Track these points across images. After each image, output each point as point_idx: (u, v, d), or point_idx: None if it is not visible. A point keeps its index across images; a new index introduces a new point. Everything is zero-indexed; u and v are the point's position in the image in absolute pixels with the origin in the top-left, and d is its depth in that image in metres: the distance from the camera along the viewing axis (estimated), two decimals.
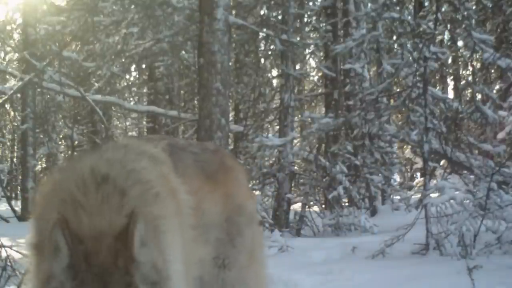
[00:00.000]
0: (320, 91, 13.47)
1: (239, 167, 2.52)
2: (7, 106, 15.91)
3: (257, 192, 9.44)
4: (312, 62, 15.10)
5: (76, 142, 18.86)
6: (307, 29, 12.89)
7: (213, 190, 2.13)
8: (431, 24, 7.07)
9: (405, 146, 13.72)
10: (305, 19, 12.52)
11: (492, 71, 12.97)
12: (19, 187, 18.75)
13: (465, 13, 7.19)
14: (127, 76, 16.52)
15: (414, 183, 13.18)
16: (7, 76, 14.78)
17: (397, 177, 12.76)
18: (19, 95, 13.36)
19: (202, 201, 2.03)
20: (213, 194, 2.13)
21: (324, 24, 11.68)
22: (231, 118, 12.04)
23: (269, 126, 14.22)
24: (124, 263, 1.42)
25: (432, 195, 6.16)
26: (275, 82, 13.70)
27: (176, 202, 1.83)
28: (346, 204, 9.52)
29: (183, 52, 13.13)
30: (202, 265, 2.09)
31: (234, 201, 2.24)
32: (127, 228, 1.44)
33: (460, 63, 15.02)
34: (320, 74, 14.03)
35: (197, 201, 1.97)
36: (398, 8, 9.61)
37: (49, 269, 1.44)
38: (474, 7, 11.43)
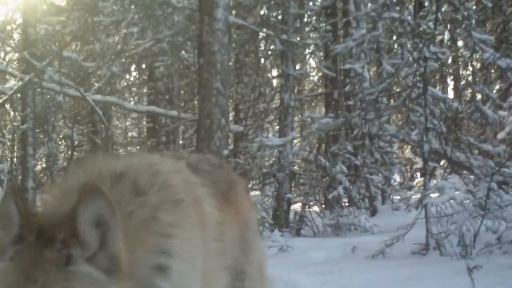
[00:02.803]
0: (320, 91, 13.46)
1: (240, 179, 2.49)
2: (7, 106, 15.89)
3: (257, 192, 9.44)
4: (312, 62, 15.11)
5: (76, 142, 18.84)
6: (307, 29, 12.87)
7: (228, 210, 2.08)
8: (431, 24, 7.06)
9: (405, 146, 13.73)
10: (305, 19, 12.51)
11: (492, 71, 12.96)
12: None
13: (465, 13, 7.19)
14: (127, 76, 16.51)
15: (414, 183, 13.20)
16: (7, 76, 14.77)
17: (397, 177, 12.77)
18: (19, 95, 13.33)
19: (223, 224, 1.97)
20: (230, 215, 2.07)
21: (324, 24, 11.67)
22: (231, 118, 12.04)
23: (269, 126, 14.20)
24: (64, 236, 1.33)
25: (432, 195, 6.17)
26: (275, 82, 13.69)
27: (200, 212, 1.77)
28: (346, 204, 9.52)
29: (183, 52, 13.12)
30: None
31: (243, 217, 2.21)
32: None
33: (460, 63, 15.02)
34: (320, 74, 14.03)
35: (223, 230, 1.91)
36: (398, 8, 9.60)
37: (1, 241, 1.38)
38: (474, 7, 11.43)
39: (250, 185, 9.58)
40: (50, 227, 1.36)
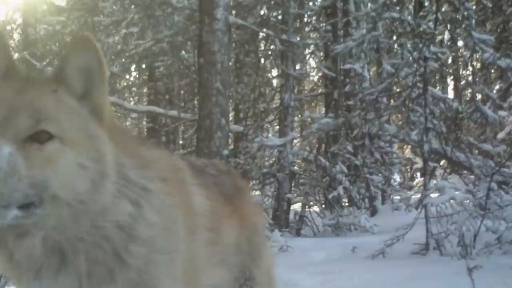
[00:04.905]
0: (320, 91, 13.45)
1: (247, 185, 2.51)
2: None
3: (257, 192, 9.44)
4: (312, 62, 15.11)
5: None
6: (307, 29, 12.87)
7: (231, 214, 2.09)
8: (431, 24, 7.06)
9: (405, 146, 13.72)
10: (305, 19, 12.51)
11: (492, 71, 12.94)
12: None
13: (465, 13, 7.19)
14: (127, 76, 16.52)
15: (414, 183, 13.17)
16: None
17: (397, 177, 12.75)
18: None
19: (220, 223, 1.97)
20: (230, 218, 2.08)
21: (324, 24, 11.66)
22: (231, 118, 12.03)
23: (269, 126, 14.20)
24: (52, 77, 1.44)
25: (432, 195, 6.17)
26: (275, 82, 13.69)
27: (186, 194, 1.77)
28: (346, 204, 9.52)
29: (183, 52, 13.12)
30: None
31: (249, 222, 2.21)
32: None
33: (460, 63, 14.99)
34: (320, 74, 14.02)
35: (216, 222, 1.91)
36: (398, 8, 9.58)
37: None
38: (474, 7, 11.41)
39: (250, 185, 9.59)
40: (37, 74, 1.49)
